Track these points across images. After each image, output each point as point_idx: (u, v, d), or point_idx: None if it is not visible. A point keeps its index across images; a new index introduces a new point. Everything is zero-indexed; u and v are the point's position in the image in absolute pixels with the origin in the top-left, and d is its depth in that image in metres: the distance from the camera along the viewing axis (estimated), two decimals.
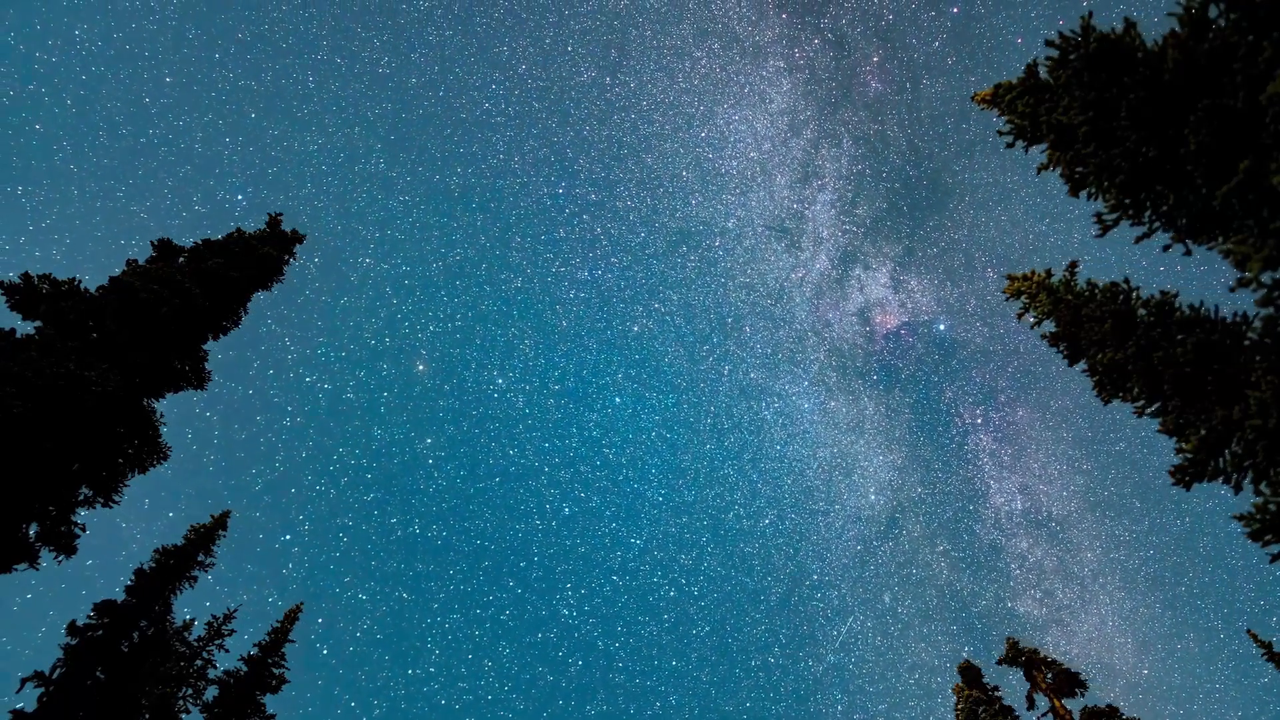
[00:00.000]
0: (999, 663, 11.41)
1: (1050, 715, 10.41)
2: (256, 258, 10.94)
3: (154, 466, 11.27)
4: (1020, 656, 11.06)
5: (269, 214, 11.20)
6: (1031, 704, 10.86)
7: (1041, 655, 11.01)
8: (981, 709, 11.12)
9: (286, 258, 11.61)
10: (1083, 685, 11.15)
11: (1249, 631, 8.96)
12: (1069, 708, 10.78)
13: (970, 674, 11.65)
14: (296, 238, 11.59)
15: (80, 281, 10.81)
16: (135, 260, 10.72)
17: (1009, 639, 11.35)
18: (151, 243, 10.83)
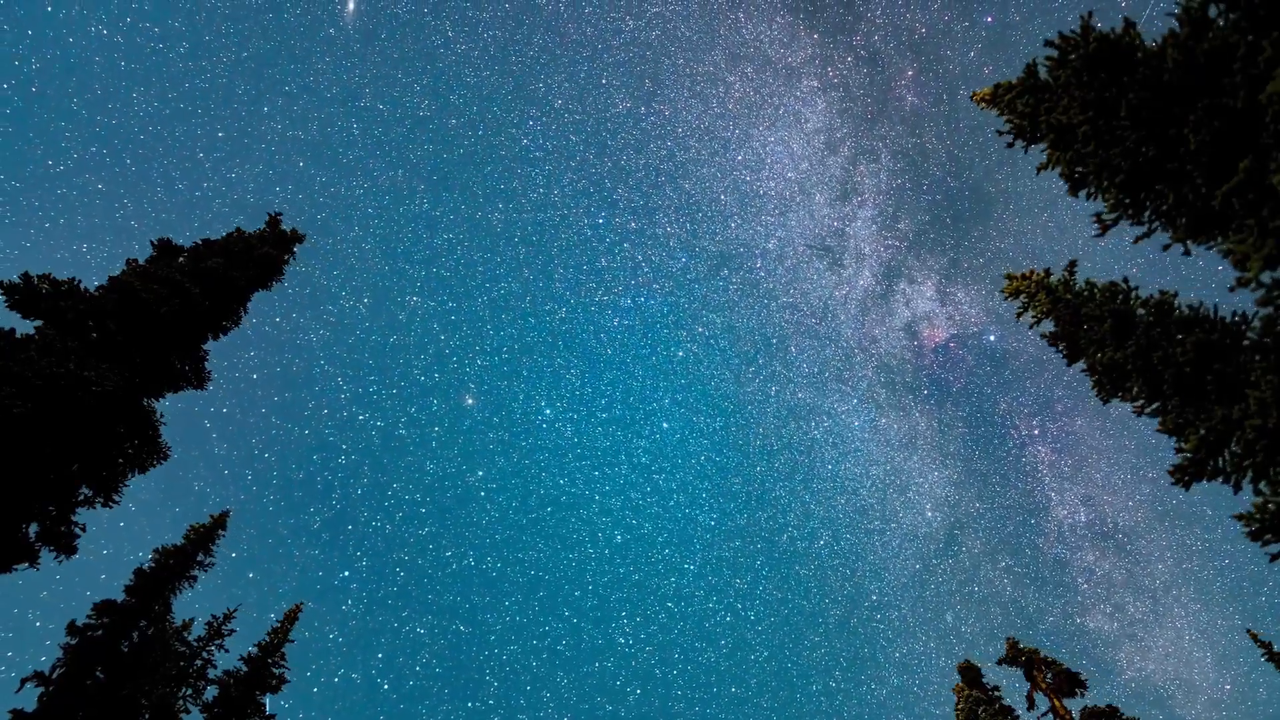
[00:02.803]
0: (999, 663, 11.40)
1: (1050, 715, 10.42)
2: (256, 258, 10.92)
3: (154, 466, 11.24)
4: (1020, 657, 11.04)
5: (269, 213, 11.19)
6: (1032, 704, 10.86)
7: (1041, 656, 11.00)
8: (982, 709, 11.10)
9: (286, 257, 11.60)
10: (1082, 685, 11.13)
11: (1249, 631, 8.94)
12: (1069, 708, 10.79)
13: (970, 674, 11.64)
14: (296, 237, 11.57)
15: (80, 282, 10.82)
16: (135, 260, 10.71)
17: (1009, 639, 11.34)
18: (151, 242, 10.80)
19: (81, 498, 11.51)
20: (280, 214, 11.33)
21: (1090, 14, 9.64)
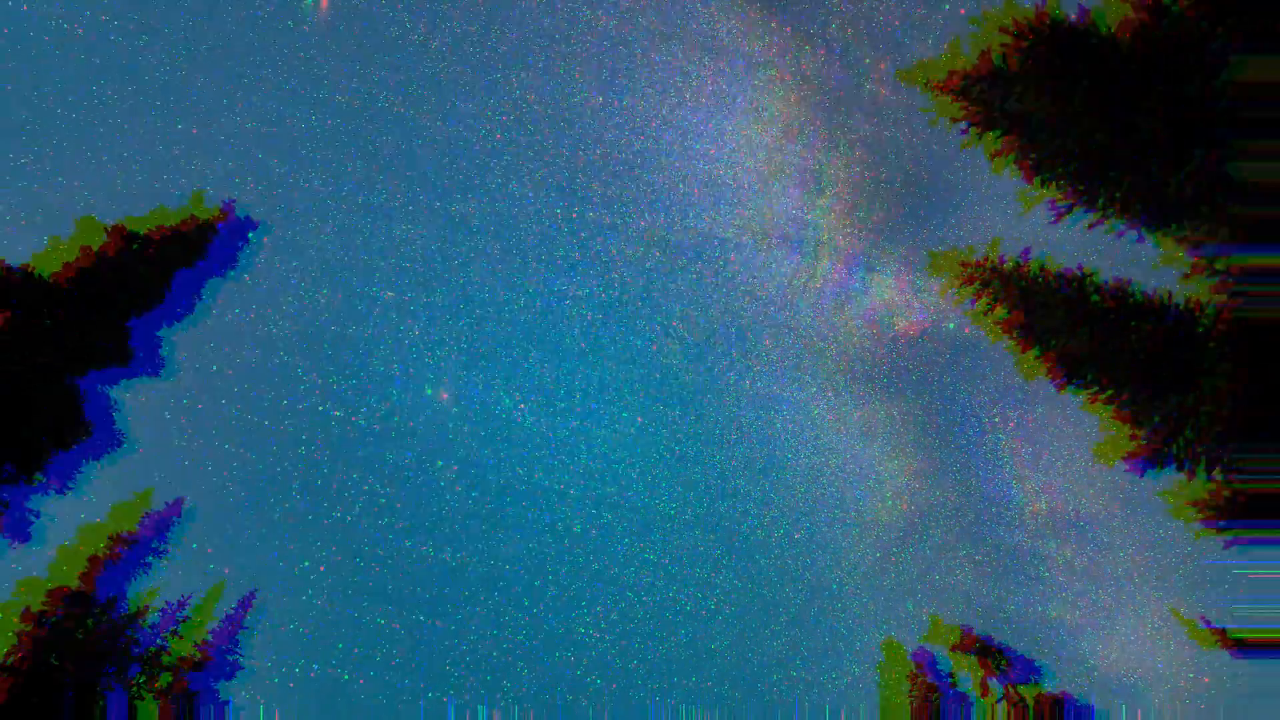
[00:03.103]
0: (952, 649, 11.45)
1: (1004, 701, 10.50)
2: (177, 236, 10.87)
3: (108, 453, 11.23)
4: (974, 643, 11.12)
5: (193, 191, 11.19)
6: (985, 690, 10.92)
7: (993, 643, 11.09)
8: (934, 696, 11.19)
9: (210, 236, 11.48)
10: (1036, 671, 11.24)
11: (1170, 609, 8.96)
12: (1023, 694, 10.88)
13: (892, 651, 11.69)
14: (221, 217, 11.51)
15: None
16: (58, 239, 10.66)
17: (960, 626, 11.45)
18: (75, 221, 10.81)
19: (5, 475, 11.40)
20: (204, 191, 11.26)
21: None
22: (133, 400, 12.87)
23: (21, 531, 11.31)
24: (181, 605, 12.87)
